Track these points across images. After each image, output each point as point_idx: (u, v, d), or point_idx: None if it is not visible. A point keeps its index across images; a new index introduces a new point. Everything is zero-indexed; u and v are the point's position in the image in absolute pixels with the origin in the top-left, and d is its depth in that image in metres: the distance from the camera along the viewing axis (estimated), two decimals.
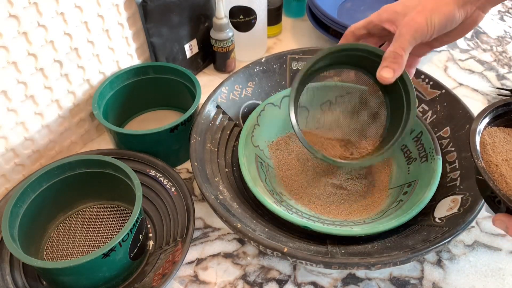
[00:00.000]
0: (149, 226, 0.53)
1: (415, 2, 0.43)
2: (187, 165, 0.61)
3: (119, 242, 0.43)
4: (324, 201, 0.53)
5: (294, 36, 0.85)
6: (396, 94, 0.49)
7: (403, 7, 0.44)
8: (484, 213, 0.55)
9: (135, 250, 0.47)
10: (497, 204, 0.38)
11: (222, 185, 0.51)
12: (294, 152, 0.59)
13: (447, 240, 0.42)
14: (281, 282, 0.49)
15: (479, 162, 0.38)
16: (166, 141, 0.56)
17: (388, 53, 0.44)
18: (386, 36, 0.47)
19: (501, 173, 0.38)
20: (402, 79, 0.47)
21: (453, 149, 0.54)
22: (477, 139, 0.40)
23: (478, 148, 0.39)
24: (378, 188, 0.55)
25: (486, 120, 0.42)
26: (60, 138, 0.59)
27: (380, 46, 0.49)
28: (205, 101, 0.57)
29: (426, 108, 0.59)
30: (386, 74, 0.44)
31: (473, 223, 0.54)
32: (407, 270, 0.49)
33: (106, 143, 0.64)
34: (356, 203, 0.53)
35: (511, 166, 0.39)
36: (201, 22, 0.70)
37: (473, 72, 0.76)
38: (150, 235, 0.52)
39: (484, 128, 0.41)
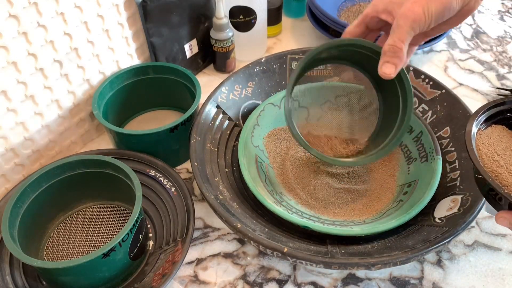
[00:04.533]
0: (149, 226, 0.53)
1: None
2: (187, 165, 0.61)
3: (119, 242, 0.43)
4: (324, 201, 0.53)
5: (294, 36, 0.85)
6: (392, 90, 0.49)
7: None
8: (484, 213, 0.55)
9: (135, 250, 0.47)
10: (498, 201, 0.38)
11: (222, 185, 0.51)
12: (291, 147, 0.59)
13: (447, 240, 0.42)
14: (281, 282, 0.49)
15: (476, 160, 0.38)
16: (166, 141, 0.56)
17: (387, 47, 0.42)
18: (383, 27, 0.47)
19: (499, 170, 0.38)
20: (398, 74, 0.46)
21: (453, 149, 0.54)
22: (473, 138, 0.40)
23: (475, 146, 0.39)
24: (378, 188, 0.55)
25: (481, 119, 0.42)
26: (60, 138, 0.59)
27: (376, 40, 0.49)
28: (205, 101, 0.57)
29: (426, 108, 0.59)
30: (388, 69, 0.43)
31: (473, 223, 0.54)
32: (407, 270, 0.49)
33: (106, 143, 0.64)
34: (356, 203, 0.53)
35: (507, 163, 0.39)
36: (201, 22, 0.70)
37: (473, 72, 0.76)
38: (150, 235, 0.52)
39: (479, 128, 0.42)
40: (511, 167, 0.38)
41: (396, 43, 0.42)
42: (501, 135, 0.42)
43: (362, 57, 0.47)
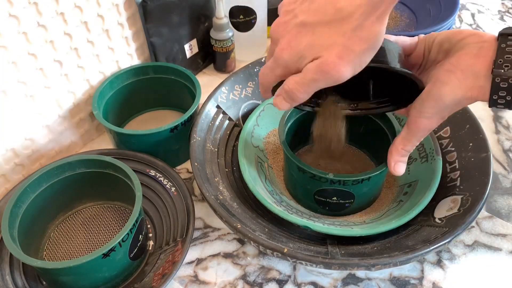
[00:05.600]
0: (149, 226, 0.53)
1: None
2: (187, 165, 0.61)
3: (119, 242, 0.43)
4: None
5: None
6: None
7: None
8: (484, 213, 0.55)
9: (135, 250, 0.47)
10: None
11: (222, 185, 0.51)
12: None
13: (447, 240, 0.42)
14: (281, 282, 0.49)
15: None
16: (166, 141, 0.56)
17: (396, 147, 0.42)
18: None
19: None
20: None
21: (453, 149, 0.54)
22: None
23: None
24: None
25: None
26: (60, 138, 0.59)
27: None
28: (205, 101, 0.57)
29: None
30: (400, 169, 0.43)
31: (473, 223, 0.54)
32: (407, 270, 0.49)
33: (106, 143, 0.64)
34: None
35: None
36: (201, 22, 0.70)
37: None
38: (150, 235, 0.52)
39: None
40: None
41: (406, 147, 0.42)
42: None
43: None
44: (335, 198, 0.48)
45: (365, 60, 0.33)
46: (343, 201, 0.49)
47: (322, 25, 0.32)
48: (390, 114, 0.50)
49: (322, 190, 0.47)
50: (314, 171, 0.45)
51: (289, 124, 0.52)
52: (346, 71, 0.32)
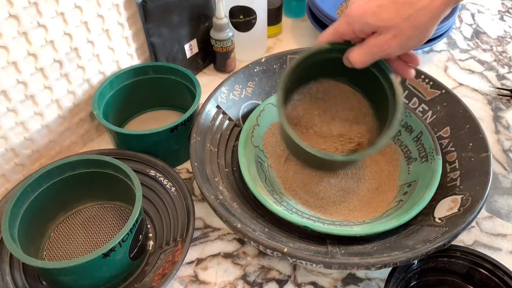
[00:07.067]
0: (149, 226, 0.53)
1: (392, 20, 0.39)
2: (187, 165, 0.61)
3: (119, 242, 0.43)
4: (324, 201, 0.53)
5: (294, 36, 0.85)
6: (379, 91, 0.48)
7: (377, 21, 0.39)
8: (484, 213, 0.55)
9: (135, 250, 0.47)
10: None
11: (222, 185, 0.51)
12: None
13: (447, 240, 0.42)
14: (281, 282, 0.49)
15: None
16: (166, 141, 0.56)
17: (349, 56, 0.43)
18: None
19: None
20: (380, 69, 0.46)
21: (453, 149, 0.54)
22: None
23: None
24: (378, 188, 0.55)
25: None
26: (60, 138, 0.59)
27: None
28: (205, 101, 0.57)
29: (426, 108, 0.59)
30: (346, 62, 0.44)
31: (473, 223, 0.54)
32: None
33: (106, 143, 0.64)
34: (356, 203, 0.53)
35: None
36: (201, 22, 0.70)
37: (473, 72, 0.76)
38: (150, 235, 0.52)
39: None
40: None
41: (358, 61, 0.43)
42: None
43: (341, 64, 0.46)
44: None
45: None
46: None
47: None
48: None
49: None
50: None
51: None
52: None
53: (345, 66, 0.45)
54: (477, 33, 0.85)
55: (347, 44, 0.44)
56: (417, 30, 0.39)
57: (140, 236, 0.47)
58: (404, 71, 0.45)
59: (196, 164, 0.50)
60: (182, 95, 0.63)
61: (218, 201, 0.47)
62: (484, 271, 0.45)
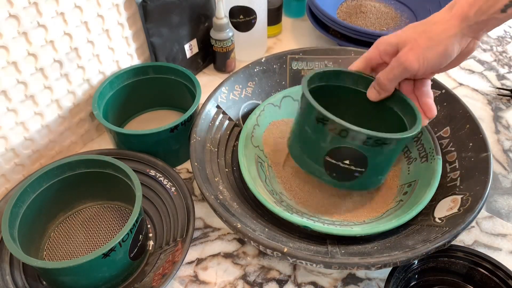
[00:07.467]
0: (149, 226, 0.53)
1: (409, 36, 0.43)
2: (187, 165, 0.61)
3: (119, 242, 0.43)
4: (324, 201, 0.53)
5: (294, 36, 0.85)
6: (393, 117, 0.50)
7: (397, 39, 0.44)
8: (484, 213, 0.55)
9: (135, 250, 0.47)
10: None
11: (222, 185, 0.51)
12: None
13: (447, 240, 0.42)
14: (281, 282, 0.49)
15: None
16: (166, 141, 0.56)
17: (376, 78, 0.47)
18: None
19: None
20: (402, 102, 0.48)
21: (453, 149, 0.54)
22: None
23: None
24: (378, 188, 0.55)
25: None
26: (60, 138, 0.59)
27: None
28: (205, 101, 0.57)
29: None
30: (371, 94, 0.49)
31: (473, 223, 0.54)
32: None
33: (106, 143, 0.64)
34: (357, 203, 0.53)
35: None
36: (201, 22, 0.70)
37: (473, 72, 0.76)
38: (150, 235, 0.52)
39: None
40: None
41: (384, 79, 0.46)
42: None
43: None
44: (347, 162, 0.45)
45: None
46: (354, 168, 0.46)
47: None
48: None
49: (337, 149, 0.45)
50: (339, 121, 0.43)
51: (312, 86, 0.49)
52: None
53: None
54: None
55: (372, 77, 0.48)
56: (432, 41, 0.41)
57: (140, 236, 0.47)
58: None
59: (196, 164, 0.50)
60: (182, 95, 0.63)
61: (218, 201, 0.47)
62: (484, 271, 0.45)
